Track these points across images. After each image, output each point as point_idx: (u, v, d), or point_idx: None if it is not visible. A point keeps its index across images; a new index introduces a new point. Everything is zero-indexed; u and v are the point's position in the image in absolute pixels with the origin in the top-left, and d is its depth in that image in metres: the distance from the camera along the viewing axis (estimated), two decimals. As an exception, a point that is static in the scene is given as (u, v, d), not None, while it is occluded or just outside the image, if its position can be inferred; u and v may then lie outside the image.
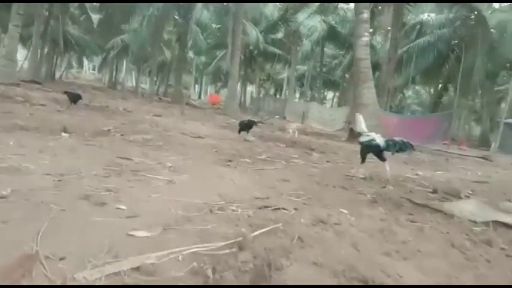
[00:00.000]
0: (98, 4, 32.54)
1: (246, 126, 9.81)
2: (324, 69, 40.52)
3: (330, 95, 53.78)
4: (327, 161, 7.47)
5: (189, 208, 3.10)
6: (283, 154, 7.57)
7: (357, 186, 5.15)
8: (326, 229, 2.99)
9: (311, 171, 6.01)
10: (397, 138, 6.18)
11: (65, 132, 6.33)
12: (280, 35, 34.32)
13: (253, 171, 5.32)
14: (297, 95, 52.54)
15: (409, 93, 44.50)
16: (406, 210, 3.96)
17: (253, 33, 27.72)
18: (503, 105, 30.68)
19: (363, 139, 6.19)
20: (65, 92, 11.62)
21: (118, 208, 2.89)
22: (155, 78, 36.19)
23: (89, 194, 3.08)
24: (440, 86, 31.42)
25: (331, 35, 30.42)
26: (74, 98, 11.35)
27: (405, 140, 6.16)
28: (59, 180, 3.42)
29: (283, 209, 3.40)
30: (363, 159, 6.22)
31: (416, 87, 38.83)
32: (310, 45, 36.03)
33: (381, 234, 3.02)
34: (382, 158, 6.22)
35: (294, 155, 7.68)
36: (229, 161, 5.88)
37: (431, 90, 34.77)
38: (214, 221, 2.85)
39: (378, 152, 6.18)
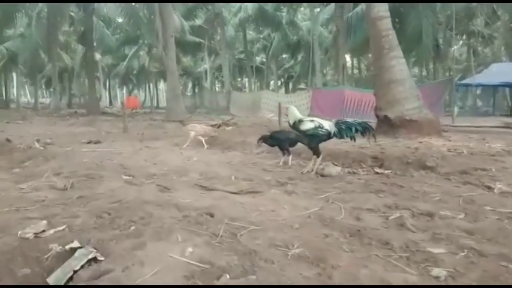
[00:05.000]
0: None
1: (286, 142, 5.19)
2: (243, 56, 36.45)
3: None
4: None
5: None
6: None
7: None
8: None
9: None
10: (349, 119, 4.72)
11: None
12: (198, 21, 29.36)
13: None
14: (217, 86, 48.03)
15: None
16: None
17: (176, 18, 22.34)
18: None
19: (306, 126, 4.58)
20: None
21: None
22: (57, 89, 29.05)
23: None
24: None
25: (260, 13, 26.16)
26: None
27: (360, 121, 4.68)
28: None
29: None
30: (316, 152, 4.63)
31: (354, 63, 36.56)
32: (234, 30, 31.68)
33: None
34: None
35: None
36: None
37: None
38: None
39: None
